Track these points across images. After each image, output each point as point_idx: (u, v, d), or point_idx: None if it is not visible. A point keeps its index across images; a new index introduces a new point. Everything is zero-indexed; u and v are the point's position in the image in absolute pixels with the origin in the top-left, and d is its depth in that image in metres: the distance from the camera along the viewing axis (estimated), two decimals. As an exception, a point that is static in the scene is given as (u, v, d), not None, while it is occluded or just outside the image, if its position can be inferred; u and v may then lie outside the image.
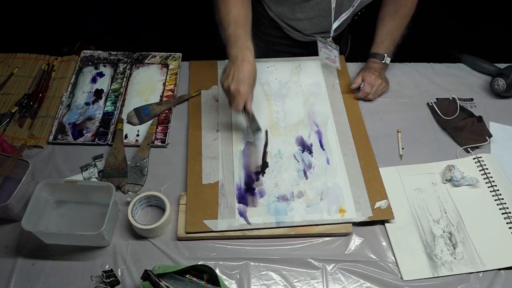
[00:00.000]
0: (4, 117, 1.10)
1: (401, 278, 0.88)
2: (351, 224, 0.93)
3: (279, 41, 1.31)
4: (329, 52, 1.18)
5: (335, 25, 1.14)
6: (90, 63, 1.25)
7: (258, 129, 1.05)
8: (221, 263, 0.89)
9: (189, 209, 0.94)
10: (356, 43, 1.44)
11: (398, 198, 0.99)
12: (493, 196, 1.00)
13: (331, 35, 1.15)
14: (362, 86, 1.16)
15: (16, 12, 2.33)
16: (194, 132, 1.08)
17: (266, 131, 1.09)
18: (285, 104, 1.15)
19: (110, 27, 2.27)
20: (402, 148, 1.09)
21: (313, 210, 0.95)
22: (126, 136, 1.09)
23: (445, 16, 2.35)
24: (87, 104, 1.15)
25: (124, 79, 1.21)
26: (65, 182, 0.90)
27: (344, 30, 1.33)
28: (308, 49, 1.29)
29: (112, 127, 1.10)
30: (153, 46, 1.30)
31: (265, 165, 1.02)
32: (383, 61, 1.20)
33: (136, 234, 0.92)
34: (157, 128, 1.10)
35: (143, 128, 1.10)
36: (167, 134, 1.09)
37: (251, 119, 1.01)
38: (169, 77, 1.22)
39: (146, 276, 0.76)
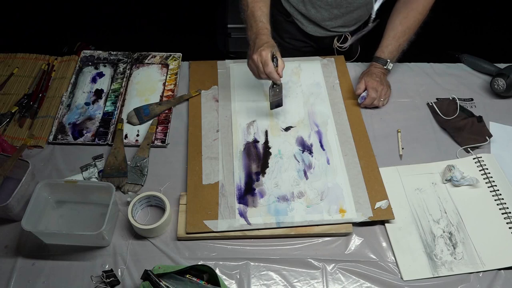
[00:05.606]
0: (4, 117, 1.10)
1: (401, 278, 0.88)
2: (351, 224, 0.93)
3: (290, 36, 1.32)
4: None
5: None
6: (90, 63, 1.25)
7: (279, 104, 1.07)
8: (221, 263, 0.89)
9: (189, 209, 0.94)
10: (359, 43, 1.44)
11: (398, 198, 0.99)
12: (493, 196, 1.00)
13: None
14: (365, 94, 1.14)
15: (16, 12, 2.33)
16: (194, 132, 1.08)
17: (266, 131, 1.09)
18: (285, 104, 1.15)
19: (110, 27, 2.28)
20: (402, 148, 1.09)
21: (313, 211, 0.95)
22: (126, 136, 1.09)
23: (445, 16, 2.35)
24: (87, 104, 1.15)
25: (124, 79, 1.21)
26: (65, 182, 0.90)
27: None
28: (318, 44, 1.30)
29: (112, 127, 1.10)
30: (153, 46, 1.30)
31: (265, 165, 1.02)
32: (385, 67, 1.18)
33: (136, 234, 0.92)
34: (157, 128, 1.10)
35: (143, 128, 1.10)
36: (167, 134, 1.09)
37: (278, 89, 1.03)
38: (169, 77, 1.22)
39: (146, 276, 0.76)
